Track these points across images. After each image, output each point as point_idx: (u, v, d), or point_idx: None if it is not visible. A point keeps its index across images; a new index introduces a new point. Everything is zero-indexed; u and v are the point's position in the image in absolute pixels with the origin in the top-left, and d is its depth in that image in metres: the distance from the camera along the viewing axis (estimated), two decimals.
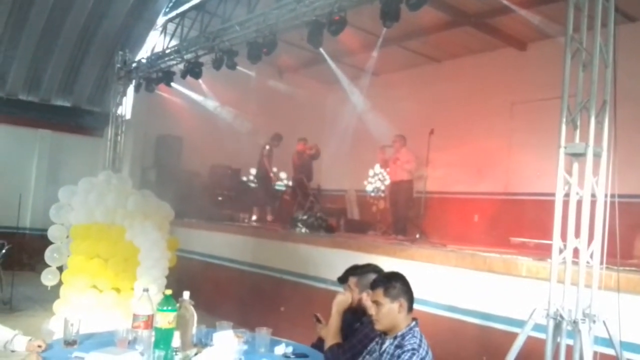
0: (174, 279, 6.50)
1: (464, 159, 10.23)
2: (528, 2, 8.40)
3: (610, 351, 3.92)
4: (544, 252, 5.11)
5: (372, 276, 3.43)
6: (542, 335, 4.04)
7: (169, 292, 3.27)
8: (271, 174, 11.52)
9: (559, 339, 3.96)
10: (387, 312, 3.00)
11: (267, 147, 11.33)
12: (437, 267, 5.84)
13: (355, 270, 3.74)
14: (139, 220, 6.76)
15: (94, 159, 12.54)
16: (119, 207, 7.04)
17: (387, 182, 9.68)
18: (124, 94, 10.95)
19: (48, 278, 7.54)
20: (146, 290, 3.51)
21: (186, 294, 3.38)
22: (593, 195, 4.02)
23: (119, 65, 10.95)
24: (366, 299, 3.39)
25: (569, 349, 3.88)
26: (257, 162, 11.61)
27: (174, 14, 11.62)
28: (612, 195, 4.03)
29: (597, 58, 4.11)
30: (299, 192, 11.33)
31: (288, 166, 11.89)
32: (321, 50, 8.61)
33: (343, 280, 3.78)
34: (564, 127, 4.13)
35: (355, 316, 3.57)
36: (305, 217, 9.75)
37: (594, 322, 3.88)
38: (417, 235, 8.30)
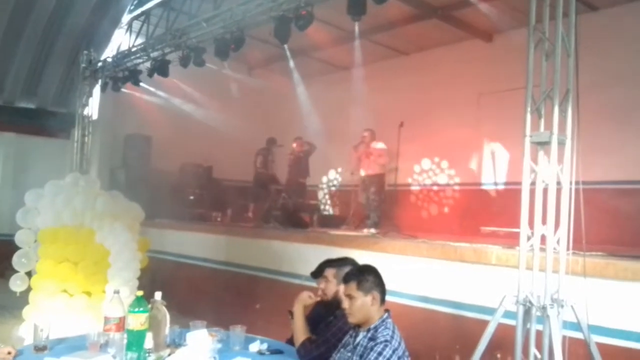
0: (146, 281, 6.42)
1: (434, 150, 10.34)
2: None
3: (578, 335, 4.01)
4: (513, 241, 5.19)
5: (349, 268, 3.46)
6: (512, 322, 4.11)
7: (140, 293, 3.24)
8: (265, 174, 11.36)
9: (528, 325, 4.03)
10: (360, 305, 3.03)
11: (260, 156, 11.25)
12: (409, 258, 5.90)
13: (332, 263, 3.75)
14: (108, 222, 6.65)
15: (60, 161, 12.29)
16: (87, 209, 6.91)
17: (359, 176, 9.69)
18: (90, 94, 10.75)
19: (17, 284, 7.37)
20: (117, 292, 3.47)
21: (158, 295, 3.35)
22: (558, 183, 4.09)
23: (84, 65, 10.74)
24: (342, 292, 3.41)
25: (539, 334, 3.95)
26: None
27: (139, 11, 11.44)
28: (577, 183, 4.11)
29: (560, 47, 4.17)
30: (271, 189, 11.30)
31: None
32: (285, 47, 8.56)
33: (317, 274, 3.79)
34: (528, 116, 4.19)
35: (329, 310, 3.58)
36: (278, 213, 9.75)
37: (562, 307, 3.96)
38: (389, 228, 8.35)
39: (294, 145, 10.91)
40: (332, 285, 3.62)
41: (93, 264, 6.70)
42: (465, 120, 10.17)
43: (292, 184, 10.86)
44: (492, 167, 10.11)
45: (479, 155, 10.29)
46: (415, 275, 5.81)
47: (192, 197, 11.90)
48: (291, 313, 3.64)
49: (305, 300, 3.59)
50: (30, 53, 11.89)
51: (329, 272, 3.67)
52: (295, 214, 9.94)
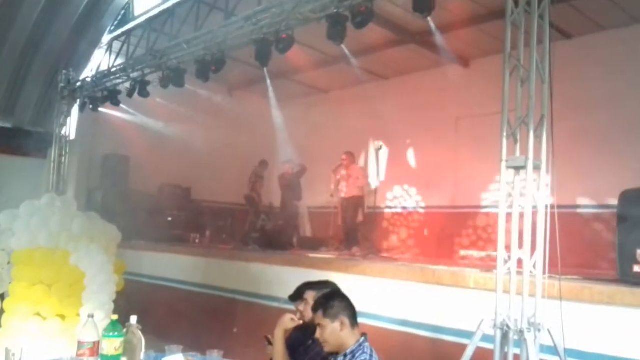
0: (122, 304, 6.32)
1: (413, 173, 10.42)
2: (469, 20, 8.68)
3: (555, 359, 4.04)
4: (491, 263, 5.24)
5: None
6: (490, 346, 4.12)
7: (115, 317, 3.19)
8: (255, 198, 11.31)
9: (506, 349, 4.05)
10: (330, 333, 3.02)
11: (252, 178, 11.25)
12: (388, 281, 5.90)
13: (313, 285, 3.72)
14: (84, 243, 6.56)
15: (36, 181, 12.09)
16: (63, 230, 6.81)
17: (339, 198, 9.71)
18: (68, 113, 10.68)
19: None
20: (91, 316, 3.41)
21: (133, 319, 3.30)
22: (534, 207, 4.15)
23: (62, 85, 10.68)
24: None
25: (517, 358, 3.97)
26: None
27: (119, 32, 11.45)
28: (552, 207, 4.17)
29: (534, 74, 4.27)
30: (250, 210, 11.27)
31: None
32: (264, 70, 8.62)
33: (295, 297, 3.75)
34: (504, 141, 4.27)
35: (307, 334, 3.55)
36: (257, 235, 9.71)
37: (539, 330, 4.00)
38: (369, 251, 8.35)
39: (285, 168, 10.90)
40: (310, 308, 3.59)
41: (68, 286, 6.59)
42: (443, 144, 10.29)
43: (286, 207, 10.80)
44: (470, 190, 10.21)
45: (457, 178, 10.39)
46: (394, 298, 5.81)
47: (170, 219, 11.80)
48: (267, 339, 3.60)
49: (287, 324, 3.52)
50: (8, 72, 11.77)
51: (309, 295, 3.63)
52: (274, 236, 9.90)
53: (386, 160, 9.06)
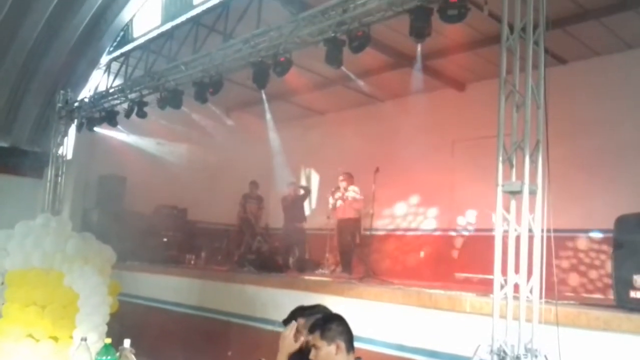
0: (115, 325, 6.26)
1: (409, 195, 10.43)
2: (465, 45, 8.78)
3: None
4: (487, 287, 5.22)
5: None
6: None
7: (108, 340, 3.17)
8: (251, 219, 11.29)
9: None
10: (324, 355, 2.99)
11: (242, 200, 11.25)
12: (384, 305, 5.87)
13: (304, 312, 3.69)
14: (78, 264, 6.53)
15: (32, 201, 12.03)
16: (57, 251, 6.78)
17: (335, 220, 9.70)
18: (65, 133, 10.66)
19: None
20: (84, 339, 3.38)
21: (127, 342, 3.27)
22: (530, 231, 4.16)
23: (60, 105, 10.67)
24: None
25: None
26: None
27: (118, 53, 11.54)
28: (548, 231, 4.17)
29: (530, 99, 4.31)
30: (246, 232, 11.23)
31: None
32: (262, 92, 8.69)
33: (288, 322, 3.73)
34: (500, 166, 4.28)
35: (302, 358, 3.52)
36: (253, 256, 9.67)
37: (536, 356, 3.97)
38: (365, 273, 8.31)
39: (288, 190, 10.89)
40: (303, 336, 3.56)
41: (61, 308, 6.54)
42: (439, 167, 10.32)
43: (289, 229, 10.76)
44: (466, 213, 10.22)
45: (453, 201, 10.40)
46: (390, 322, 5.77)
47: (165, 239, 11.76)
48: None
49: (290, 346, 3.45)
50: (6, 92, 11.80)
51: (300, 323, 3.62)
52: (270, 258, 9.86)
53: (383, 183, 9.05)
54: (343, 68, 7.15)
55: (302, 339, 3.52)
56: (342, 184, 9.53)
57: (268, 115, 11.48)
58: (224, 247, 12.05)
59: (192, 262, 11.08)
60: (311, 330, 3.12)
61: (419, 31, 5.66)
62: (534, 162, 4.23)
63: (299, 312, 3.71)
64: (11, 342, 6.42)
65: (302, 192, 10.75)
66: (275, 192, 13.32)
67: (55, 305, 6.56)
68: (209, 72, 7.92)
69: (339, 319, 3.14)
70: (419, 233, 10.86)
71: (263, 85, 7.38)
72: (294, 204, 10.74)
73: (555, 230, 4.19)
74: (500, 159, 4.28)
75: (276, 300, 7.03)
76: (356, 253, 9.53)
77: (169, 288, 9.02)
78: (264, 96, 10.11)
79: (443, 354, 5.18)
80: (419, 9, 5.54)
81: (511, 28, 4.48)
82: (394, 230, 11.03)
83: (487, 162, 5.03)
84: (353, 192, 9.40)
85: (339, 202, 9.41)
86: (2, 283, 7.07)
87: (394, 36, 8.37)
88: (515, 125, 4.36)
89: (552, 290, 4.16)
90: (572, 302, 4.82)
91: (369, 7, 5.92)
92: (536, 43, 4.41)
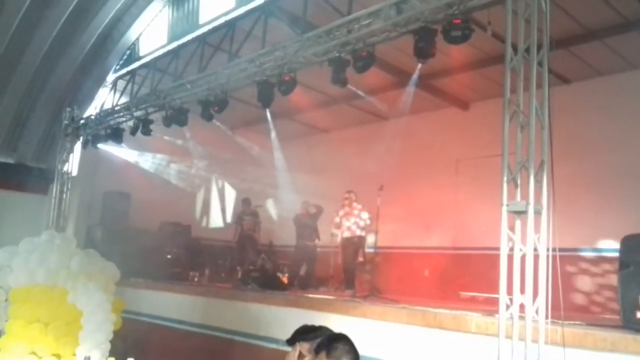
0: (119, 343, 6.25)
1: (413, 214, 10.41)
2: (468, 64, 8.82)
3: None
4: (493, 306, 5.19)
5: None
6: None
7: None
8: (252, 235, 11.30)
9: None
10: None
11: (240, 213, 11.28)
12: (389, 324, 5.83)
13: (307, 335, 3.68)
14: (82, 281, 6.54)
15: (37, 217, 12.08)
16: (62, 268, 6.80)
17: (339, 238, 9.68)
18: (71, 150, 10.75)
19: None
20: (87, 358, 3.38)
21: None
22: (535, 250, 4.15)
23: (66, 122, 10.78)
24: None
25: None
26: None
27: (124, 71, 11.64)
28: (554, 250, 4.17)
29: (534, 119, 4.33)
30: (249, 249, 11.21)
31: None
32: (267, 110, 8.74)
33: (292, 342, 3.71)
34: (505, 186, 4.29)
35: None
36: (256, 274, 9.63)
37: None
38: (369, 292, 8.28)
39: (301, 209, 10.88)
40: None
41: (64, 325, 6.55)
42: (443, 185, 10.32)
43: (300, 247, 10.75)
44: (470, 231, 10.18)
45: (458, 219, 10.38)
46: (395, 341, 5.73)
47: (169, 256, 11.73)
48: None
49: None
50: (13, 108, 11.91)
51: (304, 347, 3.59)
52: (274, 276, 9.84)
53: (387, 201, 9.05)
54: (348, 86, 7.22)
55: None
56: (346, 202, 9.51)
57: (273, 133, 11.52)
58: (227, 264, 12.02)
59: (196, 279, 11.05)
60: (317, 350, 3.10)
61: (423, 51, 5.72)
62: (538, 182, 4.24)
63: (303, 333, 3.69)
64: (14, 359, 6.41)
65: (314, 210, 10.73)
66: (278, 209, 13.37)
67: (59, 322, 6.57)
68: (214, 90, 8.00)
69: (344, 339, 3.12)
70: (423, 251, 10.82)
71: (268, 104, 7.44)
72: (306, 222, 10.73)
73: (561, 250, 4.18)
74: (505, 178, 4.29)
75: (280, 319, 7.00)
76: (360, 271, 9.49)
77: (172, 305, 9.00)
78: (268, 115, 10.13)
79: None
80: (423, 29, 5.60)
81: (515, 49, 4.51)
82: (398, 248, 10.99)
83: (491, 180, 5.04)
84: (357, 209, 9.39)
85: (344, 220, 9.38)
86: (6, 300, 7.08)
87: (397, 55, 8.44)
88: (520, 145, 4.38)
89: (559, 311, 4.13)
90: (578, 322, 4.78)
91: (374, 27, 5.99)
92: (540, 64, 4.44)
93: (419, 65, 7.46)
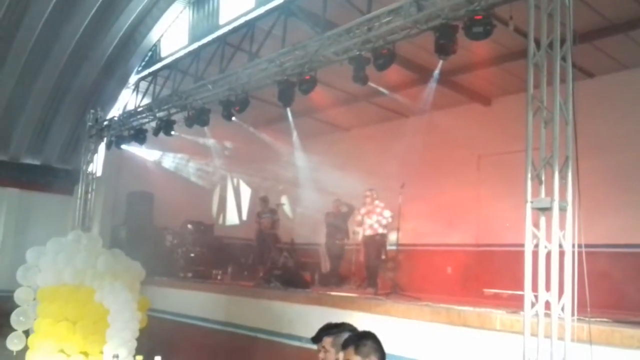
0: (145, 341, 6.34)
1: (435, 211, 10.36)
2: (490, 60, 8.74)
3: None
4: (517, 303, 5.15)
5: (348, 334, 3.43)
6: None
7: (139, 358, 3.22)
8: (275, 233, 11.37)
9: None
10: None
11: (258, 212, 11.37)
12: (412, 322, 5.82)
13: (330, 330, 3.69)
14: (108, 280, 6.65)
15: (62, 217, 12.32)
16: (88, 267, 6.93)
17: (361, 235, 9.68)
18: (95, 151, 10.91)
19: (14, 342, 7.29)
20: (116, 356, 3.44)
21: (158, 359, 3.32)
22: (560, 246, 4.11)
23: (90, 123, 10.94)
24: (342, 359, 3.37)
25: None
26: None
27: (146, 72, 11.79)
28: (579, 246, 4.12)
29: (558, 115, 4.28)
30: (271, 247, 11.26)
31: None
32: (288, 110, 8.74)
33: (317, 339, 3.74)
34: (529, 182, 4.25)
35: None
36: (279, 272, 9.68)
37: None
38: (392, 289, 8.27)
39: (332, 207, 10.91)
40: (331, 355, 3.56)
41: (92, 323, 6.66)
42: (465, 182, 10.26)
43: (330, 246, 10.79)
44: (493, 228, 10.10)
45: (480, 216, 10.31)
46: (419, 339, 5.72)
47: (192, 255, 11.84)
48: None
49: None
50: (38, 111, 12.15)
51: (327, 341, 3.61)
52: (296, 274, 9.87)
53: (409, 198, 9.02)
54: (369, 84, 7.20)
55: (329, 357, 3.53)
56: (368, 200, 9.51)
57: (293, 132, 11.55)
58: (250, 262, 12.10)
59: (219, 277, 11.14)
60: (344, 345, 3.12)
61: (444, 48, 5.68)
62: (563, 179, 4.19)
63: (326, 330, 3.72)
64: (43, 357, 6.55)
65: (345, 209, 10.74)
66: (299, 208, 13.41)
67: (86, 321, 6.69)
68: (235, 90, 8.05)
69: (373, 337, 3.13)
70: (445, 248, 10.77)
71: (288, 103, 7.46)
72: (336, 221, 10.75)
73: (586, 246, 4.14)
74: (529, 175, 4.25)
75: (303, 317, 7.03)
76: (382, 269, 9.48)
77: (196, 303, 9.09)
78: (289, 113, 10.14)
79: None
80: (444, 26, 5.57)
81: (538, 44, 4.46)
82: (420, 245, 10.95)
83: (514, 177, 5.00)
84: (379, 207, 9.38)
85: (366, 218, 9.38)
86: (34, 299, 7.24)
87: (418, 52, 8.40)
88: (544, 141, 4.33)
89: (585, 308, 4.09)
90: (605, 319, 4.72)
91: (394, 25, 5.97)
92: (563, 58, 4.39)
93: (440, 62, 7.38)
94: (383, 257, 9.35)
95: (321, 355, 3.59)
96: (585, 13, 7.19)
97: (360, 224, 9.48)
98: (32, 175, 12.78)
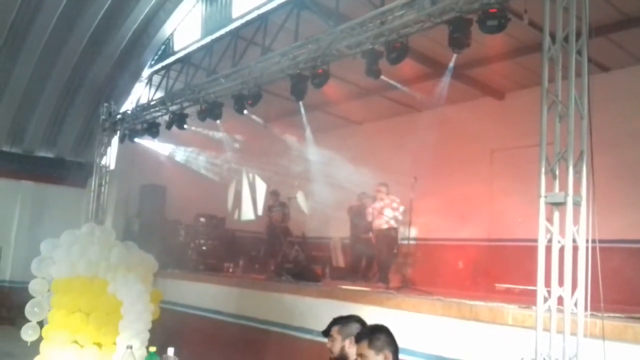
0: (158, 332, 6.39)
1: (447, 205, 10.33)
2: (504, 54, 8.68)
3: None
4: (529, 298, 5.13)
5: (355, 325, 3.49)
6: None
7: (153, 349, 3.24)
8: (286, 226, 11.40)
9: None
10: None
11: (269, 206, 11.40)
12: (423, 316, 5.81)
13: (338, 320, 3.74)
14: (121, 272, 6.70)
15: (76, 210, 12.43)
16: (101, 259, 6.98)
17: (373, 230, 9.67)
18: (109, 144, 10.98)
19: (28, 333, 7.36)
20: (130, 347, 3.47)
21: (170, 351, 3.34)
22: (574, 241, 4.08)
23: (103, 117, 11.01)
24: (349, 346, 3.41)
25: None
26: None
27: (159, 66, 11.83)
28: (594, 241, 4.09)
29: (573, 109, 4.25)
30: (282, 240, 11.30)
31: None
32: (300, 104, 8.73)
33: (327, 333, 3.77)
34: (543, 177, 4.22)
35: None
36: (290, 265, 9.70)
37: None
38: (403, 283, 8.27)
39: (356, 200, 10.92)
40: (338, 342, 3.60)
41: (105, 315, 6.72)
42: (478, 176, 10.21)
43: (354, 240, 10.79)
44: (506, 222, 10.05)
45: (493, 211, 10.26)
46: (430, 333, 5.71)
47: (204, 248, 11.91)
48: None
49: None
50: (52, 104, 12.24)
51: (334, 330, 3.65)
52: (307, 267, 9.89)
53: (421, 192, 9.00)
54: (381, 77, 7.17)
55: (336, 344, 3.56)
56: (379, 195, 9.49)
57: (307, 123, 11.54)
58: (261, 255, 12.14)
59: (230, 270, 11.19)
60: (357, 339, 3.13)
61: (458, 42, 5.65)
62: (577, 173, 4.16)
63: (333, 323, 3.76)
64: (57, 348, 6.62)
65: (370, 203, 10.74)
66: (310, 201, 13.41)
67: (100, 312, 6.75)
68: (247, 84, 8.06)
69: (386, 330, 3.13)
70: (457, 243, 10.73)
71: (301, 97, 7.47)
72: (359, 215, 10.74)
73: (601, 242, 4.11)
74: (543, 169, 4.22)
75: (314, 310, 7.04)
76: (393, 263, 9.47)
77: (208, 296, 9.14)
78: (302, 107, 10.12)
79: None
80: (458, 20, 5.53)
81: (553, 38, 4.42)
82: (432, 240, 10.93)
83: (528, 171, 4.97)
84: (390, 201, 9.36)
85: (377, 213, 9.36)
86: (49, 290, 7.31)
87: (432, 46, 8.36)
88: (558, 135, 4.29)
89: (598, 303, 4.07)
90: (618, 315, 4.68)
91: (407, 18, 5.94)
92: (579, 52, 4.35)
93: (454, 56, 7.34)
94: (394, 251, 9.33)
95: (329, 344, 3.63)
96: (601, 6, 7.10)
97: (372, 217, 9.47)
98: (46, 168, 12.90)
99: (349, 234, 10.86)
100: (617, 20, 7.77)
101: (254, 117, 11.46)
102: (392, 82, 9.43)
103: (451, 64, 8.16)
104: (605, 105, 6.58)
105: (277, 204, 11.44)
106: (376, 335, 3.06)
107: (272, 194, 11.60)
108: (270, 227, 11.36)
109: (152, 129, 10.03)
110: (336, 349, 3.58)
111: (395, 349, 3.05)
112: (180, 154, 12.37)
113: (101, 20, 10.86)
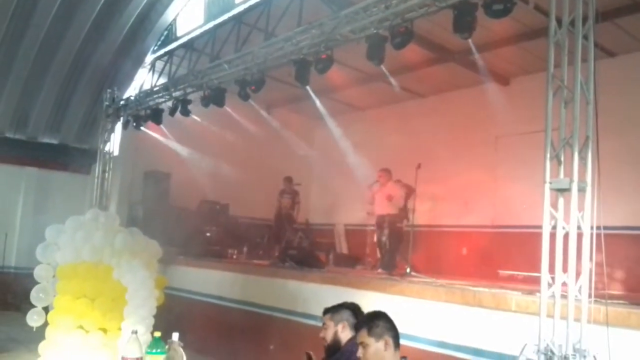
0: (162, 318, 6.42)
1: (451, 192, 10.32)
2: (509, 38, 8.60)
3: None
4: (532, 285, 5.12)
5: (346, 312, 3.57)
6: None
7: (157, 334, 3.24)
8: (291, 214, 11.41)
9: None
10: (373, 352, 2.97)
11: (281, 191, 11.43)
12: (427, 302, 5.83)
13: (328, 309, 3.76)
14: (126, 258, 6.72)
15: (80, 196, 12.46)
16: (106, 245, 7.00)
17: (375, 216, 9.66)
18: (112, 131, 10.97)
19: (33, 319, 7.40)
20: (135, 332, 3.47)
21: (175, 336, 3.34)
22: (579, 227, 4.07)
23: (107, 103, 10.99)
24: (342, 331, 3.50)
25: None
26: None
27: (162, 52, 11.78)
28: (598, 228, 4.08)
29: (579, 95, 4.21)
30: (287, 227, 11.32)
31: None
32: (307, 88, 8.68)
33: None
34: (548, 162, 4.20)
35: (330, 354, 3.57)
36: (294, 252, 9.73)
37: (585, 357, 3.89)
38: (407, 270, 8.27)
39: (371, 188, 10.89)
40: (330, 329, 3.62)
41: (110, 300, 6.75)
42: (482, 163, 10.18)
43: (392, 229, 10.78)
44: (510, 209, 10.03)
45: (497, 197, 10.24)
46: (433, 319, 5.73)
47: (208, 234, 11.92)
48: (308, 355, 3.60)
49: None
50: (55, 90, 12.21)
51: (326, 318, 3.68)
52: (311, 254, 9.91)
53: (424, 179, 8.98)
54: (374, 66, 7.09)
55: (329, 331, 3.59)
56: (380, 180, 9.47)
57: (310, 111, 11.46)
58: (265, 242, 12.17)
59: (234, 256, 11.22)
60: (357, 328, 3.13)
61: (463, 27, 5.59)
62: (583, 159, 4.14)
63: (324, 312, 3.78)
64: (62, 333, 6.66)
65: (405, 190, 10.71)
66: (314, 188, 13.41)
67: (105, 298, 6.78)
68: (251, 70, 8.02)
69: (385, 316, 3.13)
70: (461, 229, 10.73)
71: (305, 83, 7.43)
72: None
73: (605, 228, 4.09)
74: (548, 155, 4.19)
75: (318, 296, 7.06)
76: (396, 249, 9.47)
77: (212, 282, 9.18)
78: (311, 92, 10.03)
79: (488, 352, 5.12)
80: (463, 3, 5.48)
81: (559, 22, 4.37)
82: (435, 226, 10.92)
83: (532, 157, 4.94)
84: (392, 187, 9.34)
85: (379, 198, 9.35)
86: (54, 276, 7.34)
87: (436, 30, 8.29)
88: (564, 121, 4.26)
89: (602, 290, 4.06)
90: (622, 301, 4.68)
91: (412, 2, 5.89)
92: (585, 37, 4.30)
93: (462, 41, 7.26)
94: (397, 237, 9.33)
95: (322, 333, 3.65)
96: None
97: (373, 203, 9.45)
98: (50, 154, 12.89)
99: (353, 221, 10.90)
100: (623, 5, 7.68)
101: (256, 104, 11.40)
102: (385, 70, 9.29)
103: (455, 49, 8.05)
104: (610, 91, 6.51)
105: (289, 190, 11.45)
106: (374, 322, 3.06)
107: (286, 180, 11.59)
108: (278, 213, 11.37)
109: (155, 115, 10.01)
110: (329, 336, 3.61)
111: (395, 334, 3.05)
112: (185, 140, 12.33)
113: (103, 6, 10.78)
